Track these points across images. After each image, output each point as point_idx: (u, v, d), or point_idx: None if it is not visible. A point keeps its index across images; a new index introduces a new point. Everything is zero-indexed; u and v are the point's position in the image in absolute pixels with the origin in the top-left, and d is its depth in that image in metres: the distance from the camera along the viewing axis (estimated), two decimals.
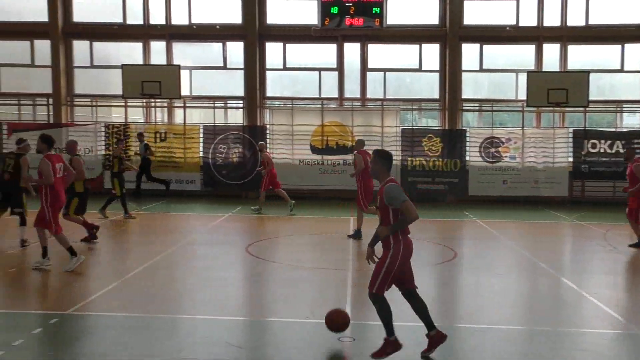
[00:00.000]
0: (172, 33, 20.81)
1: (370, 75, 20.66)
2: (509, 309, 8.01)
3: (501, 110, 20.85)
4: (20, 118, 21.15)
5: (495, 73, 20.84)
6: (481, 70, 20.50)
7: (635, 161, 11.95)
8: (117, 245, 12.56)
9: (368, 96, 20.67)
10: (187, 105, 20.95)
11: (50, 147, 9.54)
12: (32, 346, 6.14)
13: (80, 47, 21.07)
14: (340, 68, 20.55)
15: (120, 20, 20.88)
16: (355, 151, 13.22)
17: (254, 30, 20.29)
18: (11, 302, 8.02)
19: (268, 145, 19.40)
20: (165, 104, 21.28)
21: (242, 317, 7.44)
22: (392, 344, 5.86)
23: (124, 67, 19.53)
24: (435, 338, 5.97)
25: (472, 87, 20.98)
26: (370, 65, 20.59)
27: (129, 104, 20.95)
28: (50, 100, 20.74)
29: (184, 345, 6.27)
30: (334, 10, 19.42)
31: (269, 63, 20.86)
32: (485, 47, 20.31)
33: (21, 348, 6.05)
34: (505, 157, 19.77)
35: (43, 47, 20.74)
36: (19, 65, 21.31)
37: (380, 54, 20.74)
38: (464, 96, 20.53)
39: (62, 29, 20.59)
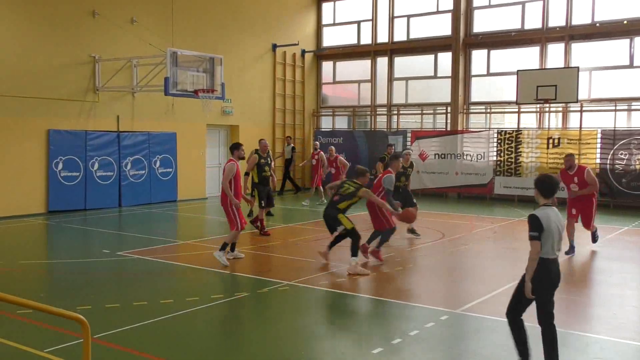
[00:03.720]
0: (571, 34, 20.01)
1: None
2: None
3: None
4: (421, 126, 23.12)
5: None
6: None
7: None
8: (503, 251, 12.65)
9: None
10: (584, 108, 19.83)
11: None
12: (425, 338, 6.65)
13: (477, 57, 21.96)
14: None
15: (518, 26, 21.03)
16: None
17: None
18: (409, 295, 8.84)
19: None
20: (560, 109, 20.55)
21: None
22: None
23: (519, 73, 19.57)
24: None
25: None
26: None
27: (522, 109, 20.91)
28: (449, 109, 22.12)
29: None
30: None
31: None
32: None
33: (416, 338, 6.62)
34: None
35: (444, 59, 22.28)
36: (423, 78, 23.34)
37: None
38: None
39: (463, 41, 21.73)
